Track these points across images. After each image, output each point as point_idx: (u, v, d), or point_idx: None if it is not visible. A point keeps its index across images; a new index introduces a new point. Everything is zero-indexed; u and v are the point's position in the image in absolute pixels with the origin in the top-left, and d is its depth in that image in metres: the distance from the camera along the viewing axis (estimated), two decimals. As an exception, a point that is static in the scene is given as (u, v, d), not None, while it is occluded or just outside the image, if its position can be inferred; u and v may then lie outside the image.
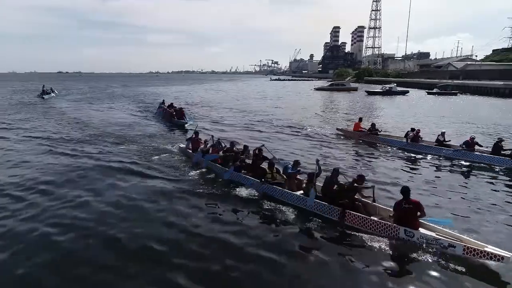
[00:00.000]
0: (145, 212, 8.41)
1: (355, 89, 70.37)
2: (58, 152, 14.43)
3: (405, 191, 7.17)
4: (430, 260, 6.34)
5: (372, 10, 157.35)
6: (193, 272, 5.89)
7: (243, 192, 9.71)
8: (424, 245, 6.73)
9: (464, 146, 14.11)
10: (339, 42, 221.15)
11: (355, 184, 8.24)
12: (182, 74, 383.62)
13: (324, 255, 6.53)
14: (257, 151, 10.85)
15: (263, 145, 11.36)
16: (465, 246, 6.38)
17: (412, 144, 15.76)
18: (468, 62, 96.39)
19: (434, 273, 5.96)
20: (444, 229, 6.98)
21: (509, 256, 5.94)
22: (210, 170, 11.63)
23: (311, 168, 9.99)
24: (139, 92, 62.84)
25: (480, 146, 14.06)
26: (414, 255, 6.52)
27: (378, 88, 62.87)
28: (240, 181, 10.36)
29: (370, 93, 59.03)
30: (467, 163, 13.27)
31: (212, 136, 13.40)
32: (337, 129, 20.76)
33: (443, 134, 15.28)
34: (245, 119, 26.30)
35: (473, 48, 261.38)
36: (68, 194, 9.51)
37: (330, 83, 76.59)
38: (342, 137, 19.29)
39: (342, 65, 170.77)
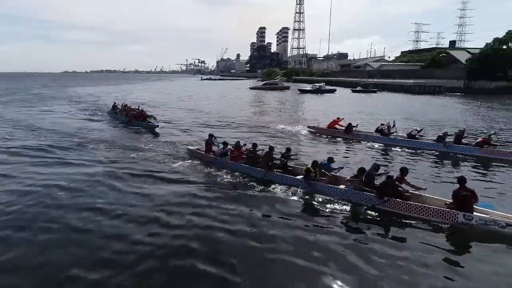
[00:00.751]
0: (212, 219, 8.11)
1: (287, 88, 74.41)
2: (62, 163, 13.02)
3: (462, 180, 7.83)
4: (489, 239, 6.98)
5: (296, 13, 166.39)
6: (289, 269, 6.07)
7: (285, 190, 9.90)
8: (482, 227, 7.34)
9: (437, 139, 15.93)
10: (265, 43, 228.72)
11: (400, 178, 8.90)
12: (104, 74, 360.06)
13: (397, 242, 7.07)
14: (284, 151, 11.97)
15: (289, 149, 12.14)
16: None
17: (386, 138, 17.21)
18: (383, 63, 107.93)
19: (492, 251, 6.67)
20: (496, 211, 7.59)
21: None
22: (236, 172, 11.59)
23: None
24: (70, 93, 58.79)
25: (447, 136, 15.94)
26: (474, 237, 7.15)
27: (309, 87, 67.42)
28: (282, 181, 10.48)
29: (302, 91, 63.13)
30: (437, 153, 15.15)
31: (214, 137, 13.77)
32: (309, 126, 21.47)
33: (416, 130, 17.00)
34: (207, 119, 26.17)
35: (384, 49, 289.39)
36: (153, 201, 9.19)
37: (263, 82, 79.70)
38: (317, 134, 19.92)
39: (269, 65, 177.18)
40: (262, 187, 10.29)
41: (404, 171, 9.05)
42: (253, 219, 8.12)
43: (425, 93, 60.88)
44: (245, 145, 12.61)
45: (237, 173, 11.54)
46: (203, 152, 13.47)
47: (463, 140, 15.62)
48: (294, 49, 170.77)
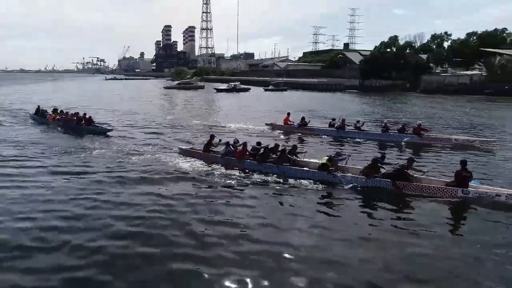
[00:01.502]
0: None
1: (202, 87, 75.62)
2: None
3: (464, 162, 9.58)
4: (481, 209, 8.73)
5: (203, 12, 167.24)
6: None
7: (302, 183, 10.64)
8: (477, 198, 9.10)
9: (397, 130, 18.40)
10: (171, 41, 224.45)
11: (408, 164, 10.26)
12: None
13: (410, 215, 8.52)
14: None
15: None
16: (507, 194, 8.95)
17: (340, 131, 19.17)
18: (288, 63, 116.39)
19: (485, 216, 8.32)
20: (486, 186, 9.62)
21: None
22: (245, 169, 11.98)
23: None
24: None
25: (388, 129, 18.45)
26: (471, 207, 8.89)
27: (224, 86, 69.72)
28: (303, 175, 11.13)
29: (218, 90, 65.15)
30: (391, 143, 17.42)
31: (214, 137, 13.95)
32: (266, 123, 22.19)
33: (359, 122, 19.34)
34: (147, 122, 24.60)
35: (288, 50, 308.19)
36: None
37: (177, 82, 79.24)
38: (275, 130, 20.93)
39: (176, 64, 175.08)
40: (276, 180, 10.92)
41: (411, 160, 10.43)
42: (279, 210, 8.88)
43: (328, 91, 68.48)
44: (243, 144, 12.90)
45: (246, 170, 11.95)
46: (201, 152, 13.58)
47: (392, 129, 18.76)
48: (202, 49, 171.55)
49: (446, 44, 74.83)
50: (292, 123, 21.06)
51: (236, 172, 11.80)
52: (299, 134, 19.87)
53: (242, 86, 68.86)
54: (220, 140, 13.93)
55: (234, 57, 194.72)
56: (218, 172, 11.81)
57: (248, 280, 5.71)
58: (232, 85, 66.80)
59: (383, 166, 10.66)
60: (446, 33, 75.54)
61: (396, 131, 18.34)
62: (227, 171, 11.92)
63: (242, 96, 58.17)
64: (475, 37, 74.38)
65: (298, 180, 10.84)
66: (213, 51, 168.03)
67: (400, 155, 14.78)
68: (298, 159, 12.33)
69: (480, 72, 61.17)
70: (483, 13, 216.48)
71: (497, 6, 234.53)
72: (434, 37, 75.75)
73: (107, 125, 20.42)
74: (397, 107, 38.98)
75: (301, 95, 60.81)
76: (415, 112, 33.36)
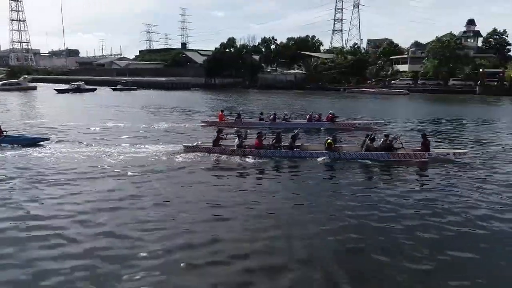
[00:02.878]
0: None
1: (34, 88, 66.83)
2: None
3: (424, 134, 14.50)
4: (440, 164, 13.09)
5: (11, 0, 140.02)
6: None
7: (311, 161, 13.43)
8: (436, 157, 13.62)
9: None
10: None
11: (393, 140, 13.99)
12: None
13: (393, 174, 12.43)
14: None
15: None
16: (453, 153, 13.91)
17: (272, 124, 21.98)
18: (129, 62, 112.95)
19: (441, 170, 12.38)
20: (437, 149, 14.44)
21: (466, 151, 14.23)
22: (264, 157, 13.78)
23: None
24: None
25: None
26: (433, 164, 13.17)
27: (65, 86, 63.80)
28: (315, 155, 13.87)
29: (60, 91, 59.25)
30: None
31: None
32: (202, 121, 23.72)
33: (286, 114, 22.97)
34: (59, 127, 22.01)
35: (121, 48, 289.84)
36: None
37: (1, 82, 66.65)
38: (211, 126, 21.69)
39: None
40: (293, 162, 13.55)
41: (398, 137, 14.34)
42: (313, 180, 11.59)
43: (176, 89, 71.93)
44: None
45: (264, 157, 13.81)
46: (213, 147, 14.69)
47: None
48: (15, 43, 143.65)
49: (272, 47, 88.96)
50: (226, 119, 23.33)
51: (256, 159, 13.64)
52: (236, 128, 20.41)
53: (87, 86, 64.66)
54: (227, 134, 15.59)
55: (54, 54, 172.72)
56: (242, 162, 13.52)
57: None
58: (76, 85, 61.95)
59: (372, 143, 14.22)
60: (273, 37, 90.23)
61: (316, 120, 22.98)
62: (245, 160, 13.64)
63: (89, 96, 55.18)
64: (293, 42, 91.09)
65: (311, 159, 13.72)
66: (28, 46, 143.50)
67: (322, 137, 18.86)
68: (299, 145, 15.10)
69: (301, 71, 76.45)
70: (291, 20, 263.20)
71: (303, 13, 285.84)
72: (263, 40, 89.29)
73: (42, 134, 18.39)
74: (248, 101, 46.44)
75: (152, 93, 62.38)
76: (269, 103, 41.24)
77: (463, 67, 63.94)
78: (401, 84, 66.90)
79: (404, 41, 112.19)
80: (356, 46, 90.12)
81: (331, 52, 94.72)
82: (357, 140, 15.56)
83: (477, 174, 12.17)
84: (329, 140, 14.20)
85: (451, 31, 71.10)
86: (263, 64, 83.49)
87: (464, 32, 74.12)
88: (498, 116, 31.93)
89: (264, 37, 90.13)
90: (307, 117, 23.06)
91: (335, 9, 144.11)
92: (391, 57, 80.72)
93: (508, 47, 73.50)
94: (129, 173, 11.78)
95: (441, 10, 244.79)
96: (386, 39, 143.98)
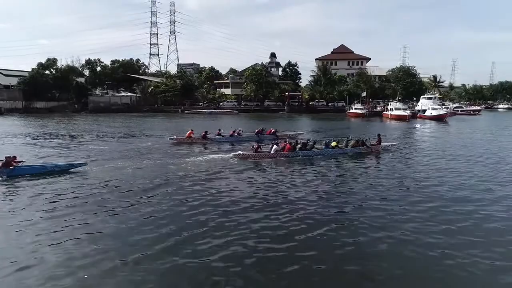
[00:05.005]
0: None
1: None
2: None
3: (379, 134, 24.04)
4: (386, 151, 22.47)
5: None
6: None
7: (324, 156, 20.50)
8: (384, 147, 23.10)
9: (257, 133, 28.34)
10: None
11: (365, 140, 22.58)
12: None
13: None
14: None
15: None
16: (391, 144, 24.05)
17: (234, 137, 27.21)
18: None
19: (388, 153, 22.14)
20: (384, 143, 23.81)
21: (396, 143, 24.95)
22: (297, 157, 19.90)
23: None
24: None
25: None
26: (384, 151, 22.29)
27: None
28: (320, 153, 20.82)
29: None
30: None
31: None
32: (170, 138, 26.17)
33: (241, 130, 28.17)
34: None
35: None
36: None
37: None
38: (180, 143, 25.40)
39: None
40: (316, 159, 19.85)
41: (379, 135, 23.76)
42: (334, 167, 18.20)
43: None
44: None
45: (292, 157, 19.72)
46: (256, 153, 19.71)
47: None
48: None
49: (98, 69, 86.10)
50: (193, 136, 26.56)
51: (289, 160, 19.46)
52: (203, 143, 25.89)
53: None
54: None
55: None
56: (279, 162, 19.01)
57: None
58: None
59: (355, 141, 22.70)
60: (99, 59, 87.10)
61: (262, 133, 28.75)
62: (281, 161, 19.22)
63: None
64: (118, 64, 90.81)
65: (325, 156, 20.68)
66: None
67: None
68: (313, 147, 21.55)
69: (135, 94, 77.77)
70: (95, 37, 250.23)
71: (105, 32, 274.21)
72: (88, 62, 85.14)
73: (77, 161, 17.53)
74: (73, 126, 45.72)
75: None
76: (95, 128, 42.45)
77: (273, 91, 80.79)
78: (229, 105, 78.45)
79: (206, 65, 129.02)
80: (182, 71, 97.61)
81: (157, 75, 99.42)
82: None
83: (401, 153, 22.84)
84: (334, 143, 21.35)
85: (262, 62, 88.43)
86: (89, 87, 79.96)
87: (269, 63, 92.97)
88: (301, 125, 44.83)
89: (89, 59, 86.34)
90: (255, 131, 28.92)
91: (151, 34, 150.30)
92: (214, 82, 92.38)
93: (299, 75, 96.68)
94: (203, 176, 15.57)
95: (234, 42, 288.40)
96: (194, 63, 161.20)
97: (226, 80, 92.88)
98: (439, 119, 54.61)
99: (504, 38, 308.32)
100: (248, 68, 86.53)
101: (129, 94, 78.54)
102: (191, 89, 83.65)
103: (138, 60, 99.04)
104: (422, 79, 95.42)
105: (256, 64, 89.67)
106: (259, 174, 16.23)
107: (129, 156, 20.37)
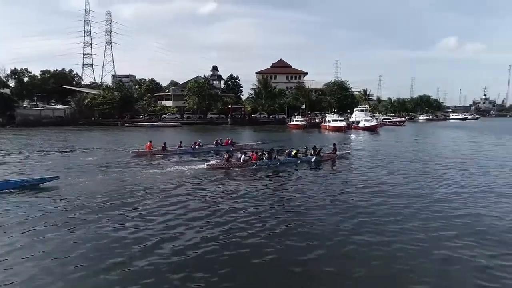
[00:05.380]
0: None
1: None
2: None
3: (334, 143, 26.65)
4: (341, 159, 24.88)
5: None
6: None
7: (288, 164, 22.04)
8: (339, 155, 25.55)
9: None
10: None
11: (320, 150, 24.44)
12: None
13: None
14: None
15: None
16: (345, 152, 27.11)
17: (195, 149, 27.81)
18: None
19: (342, 160, 24.84)
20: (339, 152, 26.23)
21: (349, 151, 28.34)
22: (260, 166, 21.12)
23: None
24: None
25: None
26: (339, 159, 24.69)
27: None
28: (283, 162, 22.26)
29: None
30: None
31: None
32: (132, 151, 26.33)
33: (200, 142, 28.78)
34: None
35: None
36: None
37: None
38: (141, 155, 25.64)
39: None
40: (279, 167, 21.28)
41: (334, 145, 26.23)
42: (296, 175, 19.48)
43: None
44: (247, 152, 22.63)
45: (260, 166, 21.14)
46: (227, 162, 21.12)
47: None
48: None
49: (26, 79, 79.69)
50: (154, 148, 26.83)
51: (255, 168, 20.77)
52: (164, 155, 26.30)
53: None
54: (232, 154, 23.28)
55: None
56: (248, 171, 20.28)
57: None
58: None
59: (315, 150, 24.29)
60: (26, 69, 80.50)
61: (221, 144, 29.89)
62: (250, 169, 20.62)
63: None
64: (49, 75, 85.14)
65: (287, 164, 22.25)
66: None
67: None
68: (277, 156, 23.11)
69: (70, 107, 73.42)
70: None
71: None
72: (14, 72, 78.32)
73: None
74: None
75: None
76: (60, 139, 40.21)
77: (216, 104, 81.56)
78: (171, 118, 77.45)
79: (143, 76, 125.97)
80: (121, 82, 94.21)
81: (92, 87, 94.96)
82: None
83: (354, 160, 25.01)
84: (294, 152, 23.25)
85: (204, 74, 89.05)
86: (16, 98, 73.82)
87: (211, 75, 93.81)
88: (245, 137, 46.31)
89: (15, 68, 79.48)
90: (214, 143, 30.10)
91: (84, 43, 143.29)
92: (155, 94, 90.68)
93: (241, 88, 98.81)
94: (177, 187, 16.13)
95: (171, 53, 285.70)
96: (130, 75, 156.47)
97: (167, 92, 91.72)
98: (371, 129, 59.64)
99: (421, 56, 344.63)
100: (190, 80, 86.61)
101: (62, 106, 73.77)
102: (130, 102, 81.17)
103: (71, 70, 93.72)
104: (354, 92, 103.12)
105: (198, 76, 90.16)
106: (230, 182, 17.43)
107: (94, 170, 20.04)
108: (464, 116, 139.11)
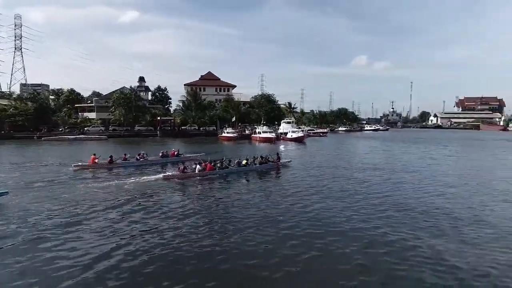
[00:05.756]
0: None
1: None
2: None
3: (278, 152, 28.95)
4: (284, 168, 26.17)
5: None
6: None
7: (238, 173, 23.81)
8: (282, 164, 27.84)
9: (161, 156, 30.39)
10: None
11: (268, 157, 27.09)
12: None
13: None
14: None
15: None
16: (287, 161, 29.57)
17: (140, 161, 28.14)
18: None
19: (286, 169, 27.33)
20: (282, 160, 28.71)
21: (290, 160, 30.67)
22: (213, 175, 22.67)
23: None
24: None
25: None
26: (283, 167, 26.82)
27: None
28: (235, 171, 24.07)
29: None
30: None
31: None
32: (75, 165, 25.64)
33: (145, 153, 29.31)
34: None
35: None
36: None
37: None
38: (86, 170, 24.99)
39: None
40: (231, 176, 22.80)
41: (278, 154, 28.46)
42: (246, 186, 20.65)
43: None
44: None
45: (214, 175, 22.52)
46: (183, 173, 21.87)
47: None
48: None
49: None
50: (98, 161, 26.32)
51: (210, 177, 22.25)
52: (110, 168, 25.81)
53: None
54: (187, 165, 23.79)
55: None
56: (204, 181, 21.37)
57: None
58: None
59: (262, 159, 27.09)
60: None
61: (167, 156, 30.78)
62: (205, 179, 21.75)
63: None
64: None
65: (238, 172, 24.09)
66: None
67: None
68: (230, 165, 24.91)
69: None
70: None
71: None
72: None
73: None
74: None
75: None
76: None
77: (144, 116, 79.33)
78: (95, 130, 73.27)
79: (58, 86, 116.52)
80: (35, 92, 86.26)
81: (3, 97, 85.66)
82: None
83: (293, 168, 26.27)
84: (245, 162, 25.39)
85: (131, 85, 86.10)
86: None
87: (138, 86, 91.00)
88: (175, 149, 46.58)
89: None
90: (160, 154, 30.65)
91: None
92: (76, 105, 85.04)
93: (170, 100, 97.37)
94: (137, 198, 16.67)
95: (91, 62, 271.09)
96: (43, 84, 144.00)
97: (89, 103, 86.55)
98: (299, 140, 63.48)
99: (338, 72, 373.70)
100: (115, 91, 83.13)
101: (-36, 118, 65.42)
102: (47, 113, 74.95)
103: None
104: (280, 105, 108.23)
105: (123, 87, 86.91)
106: (187, 191, 18.62)
107: (37, 186, 19.34)
108: (377, 127, 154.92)
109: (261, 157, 26.89)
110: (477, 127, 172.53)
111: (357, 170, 26.73)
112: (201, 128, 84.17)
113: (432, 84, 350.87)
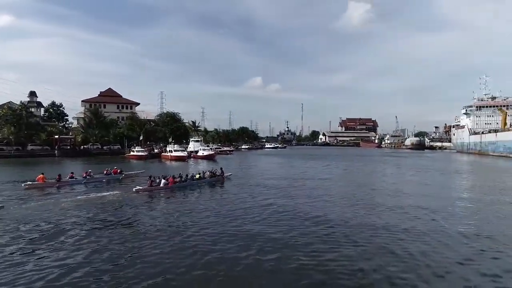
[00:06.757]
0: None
1: None
2: None
3: (221, 168, 32.38)
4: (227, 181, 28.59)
5: None
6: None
7: (195, 185, 26.96)
8: (226, 177, 31.41)
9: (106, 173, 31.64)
10: None
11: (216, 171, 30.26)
12: None
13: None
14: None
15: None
16: (229, 174, 33.10)
17: (87, 178, 29.00)
18: None
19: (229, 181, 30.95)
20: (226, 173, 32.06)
21: (231, 173, 33.99)
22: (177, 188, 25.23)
23: None
24: None
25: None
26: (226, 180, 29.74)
27: None
28: (190, 184, 26.95)
29: None
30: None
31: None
32: (24, 184, 25.41)
33: (90, 172, 30.14)
34: None
35: None
36: None
37: None
38: (35, 189, 24.84)
39: None
40: (191, 188, 25.67)
41: (221, 169, 31.89)
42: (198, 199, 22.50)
43: None
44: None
45: (176, 189, 25.09)
46: (151, 186, 24.33)
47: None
48: None
49: None
50: (47, 180, 26.65)
51: (175, 190, 24.84)
52: (57, 186, 26.34)
53: None
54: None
55: None
56: (170, 193, 23.98)
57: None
58: None
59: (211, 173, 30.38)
60: None
61: (110, 174, 31.95)
62: (171, 191, 24.37)
63: None
64: None
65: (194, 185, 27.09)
66: None
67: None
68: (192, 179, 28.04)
69: None
70: None
71: None
72: None
73: None
74: None
75: None
76: None
77: (39, 134, 72.74)
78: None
79: None
80: None
81: None
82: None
83: (234, 180, 28.81)
84: (197, 176, 28.52)
85: (21, 100, 78.01)
86: None
87: (28, 102, 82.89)
88: (76, 169, 45.48)
89: None
90: (104, 172, 32.07)
91: None
92: None
93: (66, 117, 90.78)
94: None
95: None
96: None
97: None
98: (210, 158, 66.29)
99: (236, 92, 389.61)
100: (1, 106, 74.39)
101: None
102: None
103: None
104: (185, 123, 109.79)
105: (10, 102, 78.50)
106: (156, 202, 21.19)
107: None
108: (276, 145, 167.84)
109: (209, 171, 30.41)
110: (358, 144, 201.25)
111: (284, 179, 32.18)
112: (105, 147, 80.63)
113: (319, 105, 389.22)
